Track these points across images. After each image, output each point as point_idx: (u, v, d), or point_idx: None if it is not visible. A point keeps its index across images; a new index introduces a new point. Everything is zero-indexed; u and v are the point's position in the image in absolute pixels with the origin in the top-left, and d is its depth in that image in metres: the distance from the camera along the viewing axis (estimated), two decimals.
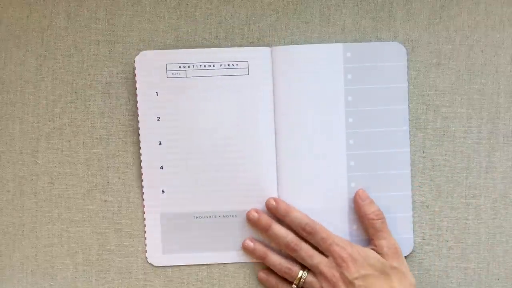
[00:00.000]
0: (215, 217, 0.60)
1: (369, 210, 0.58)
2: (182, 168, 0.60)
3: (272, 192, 0.60)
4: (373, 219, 0.58)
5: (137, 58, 0.60)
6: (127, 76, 0.61)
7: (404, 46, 0.60)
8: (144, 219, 0.61)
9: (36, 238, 0.61)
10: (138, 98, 0.60)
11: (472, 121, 0.61)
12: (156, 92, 0.60)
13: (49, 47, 0.61)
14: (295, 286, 0.57)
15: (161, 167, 0.60)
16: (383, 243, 0.57)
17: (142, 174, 0.60)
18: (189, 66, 0.60)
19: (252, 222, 0.60)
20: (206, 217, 0.60)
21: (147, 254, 0.61)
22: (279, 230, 0.58)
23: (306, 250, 0.57)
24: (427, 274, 0.60)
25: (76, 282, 0.61)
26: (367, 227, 0.58)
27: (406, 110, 0.60)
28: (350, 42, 0.60)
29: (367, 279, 0.55)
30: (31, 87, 0.61)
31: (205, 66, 0.60)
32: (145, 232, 0.61)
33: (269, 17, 0.61)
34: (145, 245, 0.61)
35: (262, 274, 0.60)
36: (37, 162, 0.61)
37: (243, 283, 0.61)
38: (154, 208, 0.60)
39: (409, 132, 0.60)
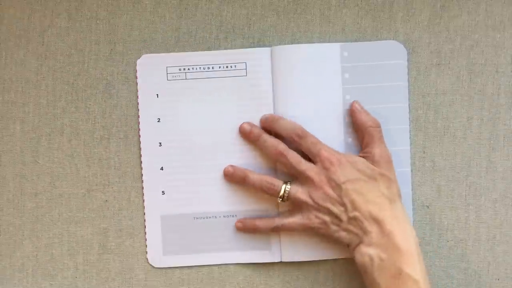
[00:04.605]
0: (215, 217, 0.61)
1: (367, 118, 0.58)
2: (182, 169, 0.61)
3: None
4: (372, 127, 0.57)
5: (138, 61, 0.61)
6: (127, 76, 0.61)
7: (404, 47, 0.60)
8: (145, 220, 0.61)
9: (36, 238, 0.61)
10: (139, 100, 0.61)
11: (473, 121, 0.61)
12: (157, 94, 0.61)
13: (50, 47, 0.61)
14: (280, 200, 0.58)
15: (161, 168, 0.61)
16: (376, 151, 0.56)
17: (142, 175, 0.61)
18: (189, 69, 0.60)
19: (244, 135, 0.60)
20: (206, 218, 0.61)
21: (147, 256, 0.61)
22: (270, 138, 0.58)
23: (294, 157, 0.57)
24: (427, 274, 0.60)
25: (76, 282, 0.61)
26: (363, 135, 0.58)
27: (406, 108, 0.60)
28: (351, 42, 0.61)
29: (354, 183, 0.55)
30: (32, 87, 0.61)
31: (204, 68, 0.60)
32: (145, 233, 0.61)
33: (269, 17, 0.61)
34: (146, 246, 0.61)
35: (239, 223, 0.60)
36: (38, 162, 0.61)
37: (243, 283, 0.61)
38: (155, 209, 0.61)
39: (410, 132, 0.60)
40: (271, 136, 0.59)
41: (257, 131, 0.59)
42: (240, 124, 0.60)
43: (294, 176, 0.58)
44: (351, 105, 0.59)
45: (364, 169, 0.55)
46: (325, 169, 0.56)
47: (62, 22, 0.61)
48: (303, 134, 0.58)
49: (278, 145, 0.58)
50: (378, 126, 0.58)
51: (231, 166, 0.60)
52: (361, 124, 0.58)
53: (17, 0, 0.61)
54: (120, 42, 0.61)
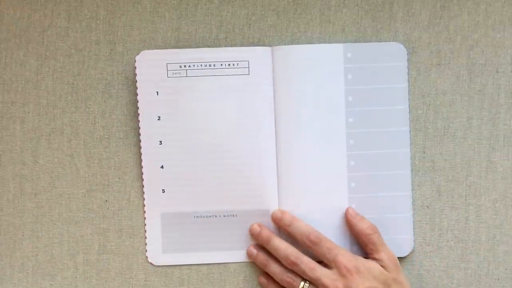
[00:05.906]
0: (215, 216, 0.61)
1: (364, 226, 0.58)
2: (182, 167, 0.60)
3: (272, 193, 0.60)
4: (370, 234, 0.58)
5: (137, 58, 0.60)
6: (127, 76, 0.61)
7: (405, 47, 0.60)
8: (145, 218, 0.61)
9: (36, 238, 0.61)
10: (139, 98, 0.60)
11: (472, 121, 0.61)
12: (157, 92, 0.60)
13: (49, 47, 0.61)
14: None
15: (162, 167, 0.60)
16: (383, 256, 0.57)
17: (142, 173, 0.61)
18: (189, 66, 0.60)
19: (254, 236, 0.60)
20: (206, 216, 0.61)
21: (147, 254, 0.61)
22: (279, 243, 0.58)
23: (307, 263, 0.57)
24: (427, 274, 0.60)
25: (76, 282, 0.61)
26: (365, 243, 0.58)
27: (406, 110, 0.60)
28: (351, 42, 0.61)
29: None
30: (32, 87, 0.61)
31: (205, 66, 0.60)
32: (145, 231, 0.61)
33: (269, 17, 0.61)
34: (146, 244, 0.61)
35: (263, 279, 0.60)
36: (38, 162, 0.61)
37: (243, 283, 0.61)
38: (155, 208, 0.61)
39: (410, 132, 0.60)
40: (282, 240, 0.58)
41: (266, 234, 0.59)
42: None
43: (309, 281, 0.57)
44: (346, 212, 0.59)
45: (379, 275, 0.56)
46: (342, 276, 0.55)
47: (62, 22, 0.61)
48: (317, 240, 0.57)
49: (291, 254, 0.57)
50: (376, 231, 0.58)
51: (255, 248, 0.60)
52: (359, 233, 0.58)
53: (17, 0, 0.61)
54: (120, 42, 0.61)
